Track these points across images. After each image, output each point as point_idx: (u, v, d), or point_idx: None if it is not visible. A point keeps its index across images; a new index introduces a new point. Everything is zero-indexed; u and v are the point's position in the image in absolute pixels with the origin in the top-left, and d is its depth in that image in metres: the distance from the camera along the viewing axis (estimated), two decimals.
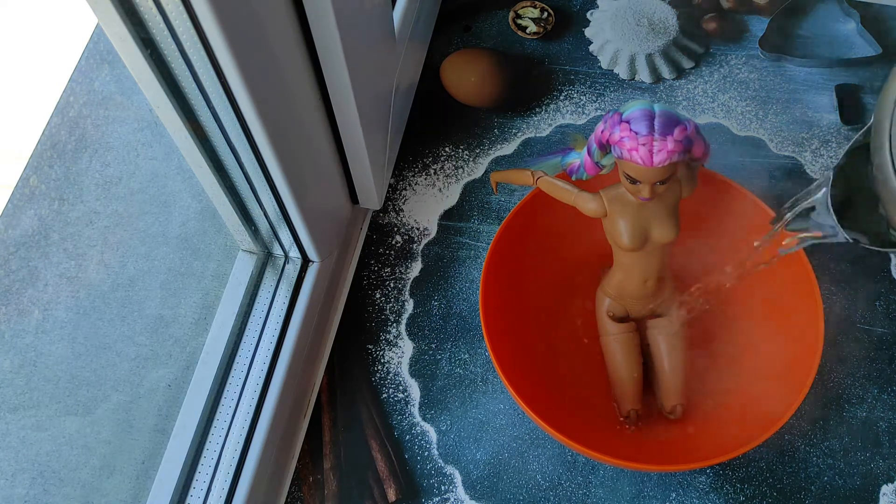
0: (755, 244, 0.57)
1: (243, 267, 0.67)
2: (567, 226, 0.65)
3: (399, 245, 0.75)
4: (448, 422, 0.67)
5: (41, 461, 0.65)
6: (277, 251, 0.67)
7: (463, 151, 0.80)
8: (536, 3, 0.89)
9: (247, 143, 0.51)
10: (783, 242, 0.54)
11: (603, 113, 0.81)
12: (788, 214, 0.52)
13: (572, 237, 0.67)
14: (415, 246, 0.75)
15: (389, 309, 0.72)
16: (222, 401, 0.62)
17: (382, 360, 0.69)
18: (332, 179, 0.66)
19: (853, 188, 0.47)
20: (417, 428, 0.67)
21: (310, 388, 0.68)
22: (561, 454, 0.65)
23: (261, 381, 0.62)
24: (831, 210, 0.47)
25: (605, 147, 0.53)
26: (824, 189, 0.48)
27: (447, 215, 0.76)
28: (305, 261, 0.67)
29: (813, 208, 0.50)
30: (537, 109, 0.82)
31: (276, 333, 0.64)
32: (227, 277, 0.67)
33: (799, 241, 0.53)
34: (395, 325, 0.71)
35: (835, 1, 0.88)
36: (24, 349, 0.69)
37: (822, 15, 0.87)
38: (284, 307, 0.66)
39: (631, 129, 0.49)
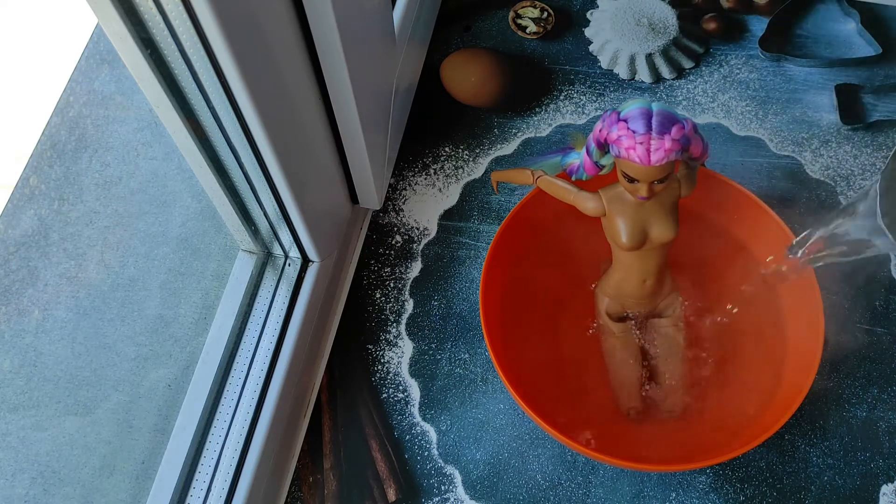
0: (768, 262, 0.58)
1: (243, 267, 0.67)
2: (566, 225, 0.65)
3: (399, 245, 0.75)
4: (448, 422, 0.67)
5: (41, 461, 0.65)
6: (277, 251, 0.67)
7: (463, 151, 0.80)
8: (536, 3, 0.89)
9: (247, 143, 0.51)
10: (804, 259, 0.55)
11: (603, 113, 0.81)
12: (821, 231, 0.52)
13: (572, 237, 0.67)
14: (415, 246, 0.75)
15: (389, 309, 0.72)
16: (222, 401, 0.62)
17: (382, 360, 0.69)
18: (332, 179, 0.66)
19: None
20: (417, 428, 0.67)
21: (310, 388, 0.68)
22: (561, 454, 0.65)
23: (261, 381, 0.63)
24: (881, 218, 0.47)
25: (604, 146, 0.53)
26: (870, 198, 0.47)
27: (447, 215, 0.76)
28: (305, 261, 0.67)
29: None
30: (537, 109, 0.82)
31: (276, 333, 0.64)
32: (227, 277, 0.67)
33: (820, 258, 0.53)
34: (395, 325, 0.71)
35: (835, 1, 0.88)
36: (24, 349, 0.69)
37: (822, 15, 0.87)
38: (284, 307, 0.66)
39: (628, 128, 0.50)
